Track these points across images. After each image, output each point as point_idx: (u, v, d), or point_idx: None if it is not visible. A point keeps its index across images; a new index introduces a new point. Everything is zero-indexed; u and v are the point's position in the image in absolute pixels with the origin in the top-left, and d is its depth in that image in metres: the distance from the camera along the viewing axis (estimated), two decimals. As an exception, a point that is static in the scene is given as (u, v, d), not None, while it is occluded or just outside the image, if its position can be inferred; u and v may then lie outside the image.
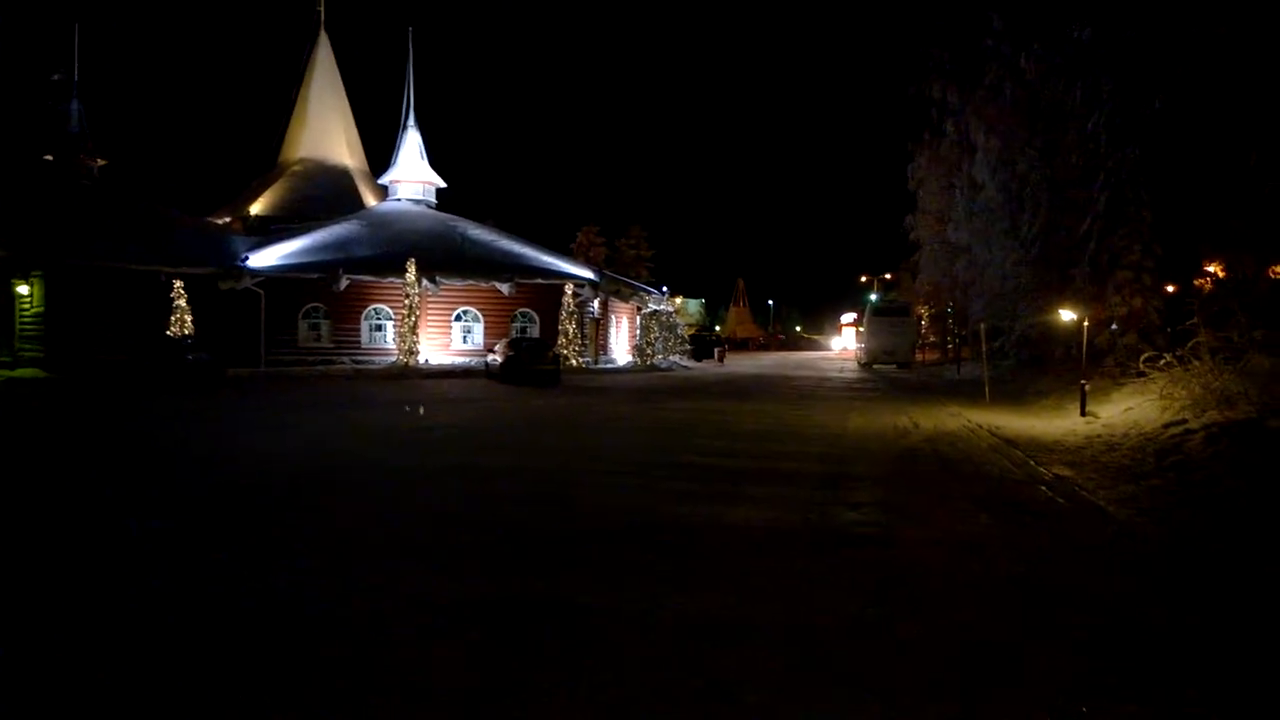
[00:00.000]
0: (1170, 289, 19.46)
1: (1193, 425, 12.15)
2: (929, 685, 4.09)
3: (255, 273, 32.36)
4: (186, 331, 29.66)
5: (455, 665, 4.30)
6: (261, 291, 32.21)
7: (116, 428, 15.02)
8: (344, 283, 32.75)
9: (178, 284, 30.33)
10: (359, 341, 33.96)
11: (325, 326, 33.70)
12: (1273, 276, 17.99)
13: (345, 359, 32.67)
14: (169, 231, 33.78)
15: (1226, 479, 9.27)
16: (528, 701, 3.87)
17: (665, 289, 43.98)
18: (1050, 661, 4.38)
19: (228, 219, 43.89)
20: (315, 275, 32.89)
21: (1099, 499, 8.85)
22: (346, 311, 33.78)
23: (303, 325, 33.53)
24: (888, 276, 66.98)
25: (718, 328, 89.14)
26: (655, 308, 40.91)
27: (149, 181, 63.33)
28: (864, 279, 74.94)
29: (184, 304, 30.31)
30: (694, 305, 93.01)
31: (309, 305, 33.43)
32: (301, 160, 48.61)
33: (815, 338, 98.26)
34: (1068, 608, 5.26)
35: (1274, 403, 12.10)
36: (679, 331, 43.67)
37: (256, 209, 45.68)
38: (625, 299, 41.09)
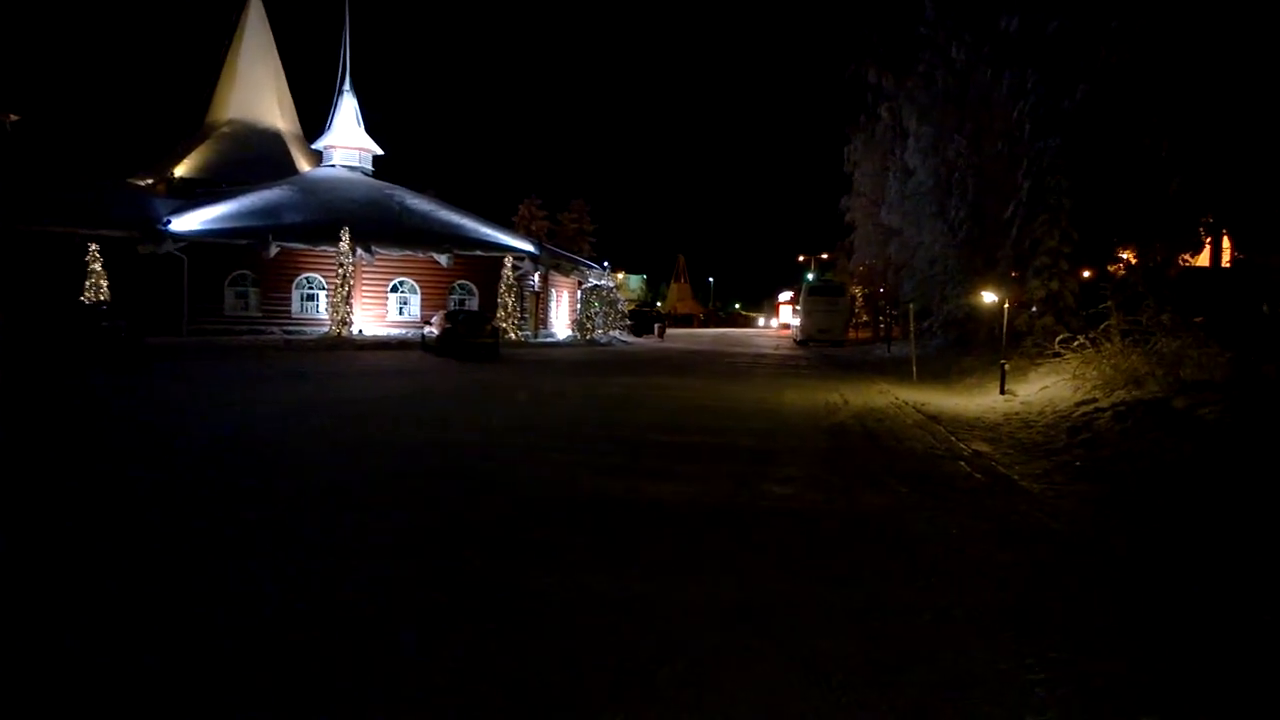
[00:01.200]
0: (1086, 274, 20.31)
1: (1103, 404, 12.80)
2: (856, 660, 4.33)
3: (178, 237, 31.31)
4: (102, 298, 28.60)
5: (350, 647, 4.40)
6: (185, 257, 31.21)
7: None
8: (274, 250, 31.94)
9: (93, 247, 29.20)
10: (290, 311, 33.23)
11: (253, 295, 32.86)
12: (1181, 264, 18.92)
13: (275, 329, 31.96)
14: (86, 192, 32.44)
15: (1131, 455, 9.83)
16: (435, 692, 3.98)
17: (607, 264, 44.02)
18: (964, 630, 4.69)
19: (150, 181, 42.34)
20: (243, 241, 32.01)
21: (1014, 474, 9.32)
22: (276, 280, 32.98)
23: (229, 293, 32.63)
24: (824, 256, 68.15)
25: (659, 304, 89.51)
26: (596, 282, 40.94)
27: (65, 140, 60.50)
28: (801, 258, 76.19)
29: (99, 269, 29.19)
30: (635, 281, 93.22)
31: (236, 273, 32.52)
32: (231, 121, 47.01)
33: (754, 315, 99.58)
34: (979, 578, 5.60)
35: (1178, 383, 12.82)
36: (620, 307, 43.83)
37: (181, 171, 44.13)
38: (566, 273, 41.00)
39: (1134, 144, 14.22)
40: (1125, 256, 19.88)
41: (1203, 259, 20.51)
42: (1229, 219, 16.15)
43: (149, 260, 30.69)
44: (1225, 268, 20.35)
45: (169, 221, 31.73)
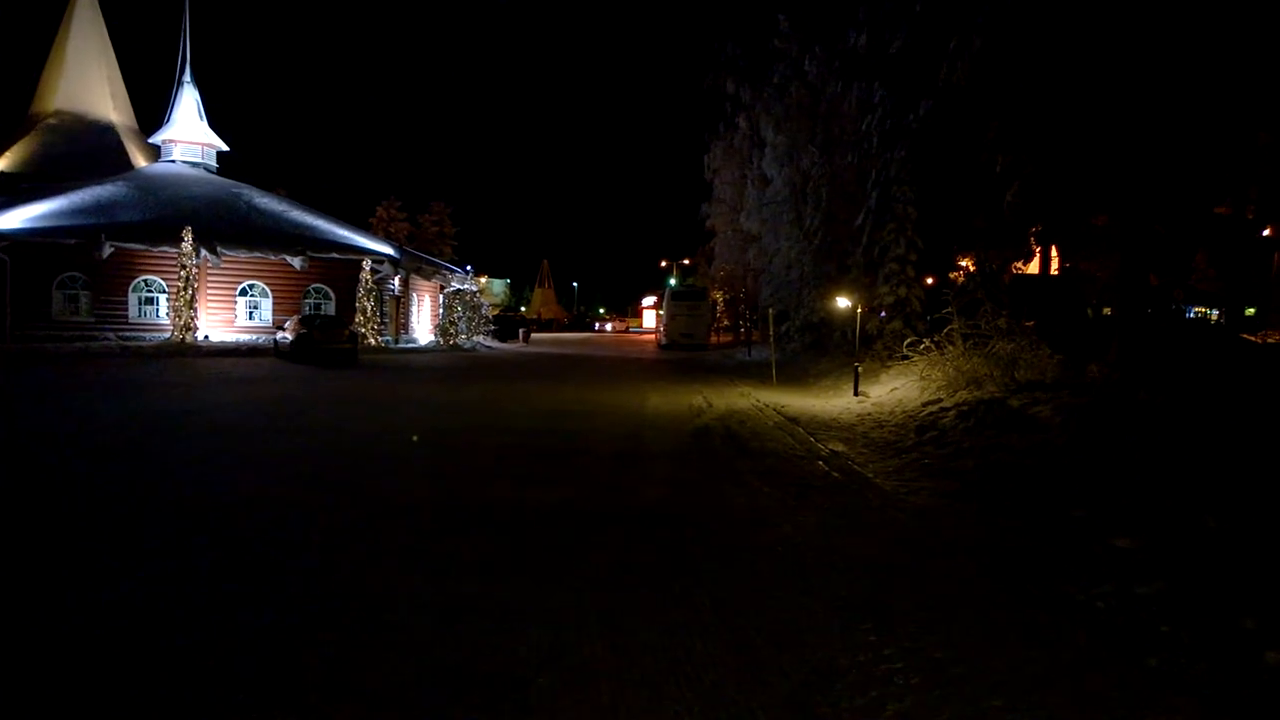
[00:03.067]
0: (930, 280, 21.56)
1: (947, 404, 13.58)
2: (727, 659, 4.36)
3: (0, 235, 28.49)
4: (-95, 302, 25.70)
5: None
6: (7, 258, 28.47)
7: None
8: (107, 250, 29.57)
9: (-105, 247, 26.19)
10: (126, 316, 30.84)
11: (85, 298, 30.29)
12: (1014, 271, 20.38)
13: (110, 334, 29.59)
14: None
15: (973, 451, 10.46)
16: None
17: (470, 268, 43.24)
18: (826, 622, 4.82)
19: (-38, 175, 38.36)
20: (73, 240, 29.47)
21: (868, 471, 9.72)
22: (111, 282, 30.53)
23: (57, 296, 29.97)
24: (686, 261, 69.37)
25: (523, 308, 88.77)
26: (459, 287, 40.08)
27: None
28: (664, 263, 77.26)
29: (-96, 270, 26.24)
30: (499, 285, 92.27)
31: (65, 274, 29.91)
32: (58, 113, 43.27)
33: (619, 319, 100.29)
34: (838, 572, 5.78)
35: (1014, 383, 13.77)
36: (484, 311, 43.12)
37: (2, 165, 40.21)
38: (428, 277, 39.97)
39: (972, 158, 15.22)
40: (965, 264, 21.23)
41: (1034, 267, 22.19)
42: (1056, 230, 17.52)
43: (-39, 261, 27.79)
44: (1054, 275, 22.08)
45: (-15, 218, 28.85)
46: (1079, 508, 7.44)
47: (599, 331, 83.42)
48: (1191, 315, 30.99)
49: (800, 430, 13.07)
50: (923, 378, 15.92)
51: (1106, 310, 20.99)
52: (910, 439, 11.96)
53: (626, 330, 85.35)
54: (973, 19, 12.98)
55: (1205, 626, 4.76)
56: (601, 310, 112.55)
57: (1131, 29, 11.44)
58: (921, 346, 16.94)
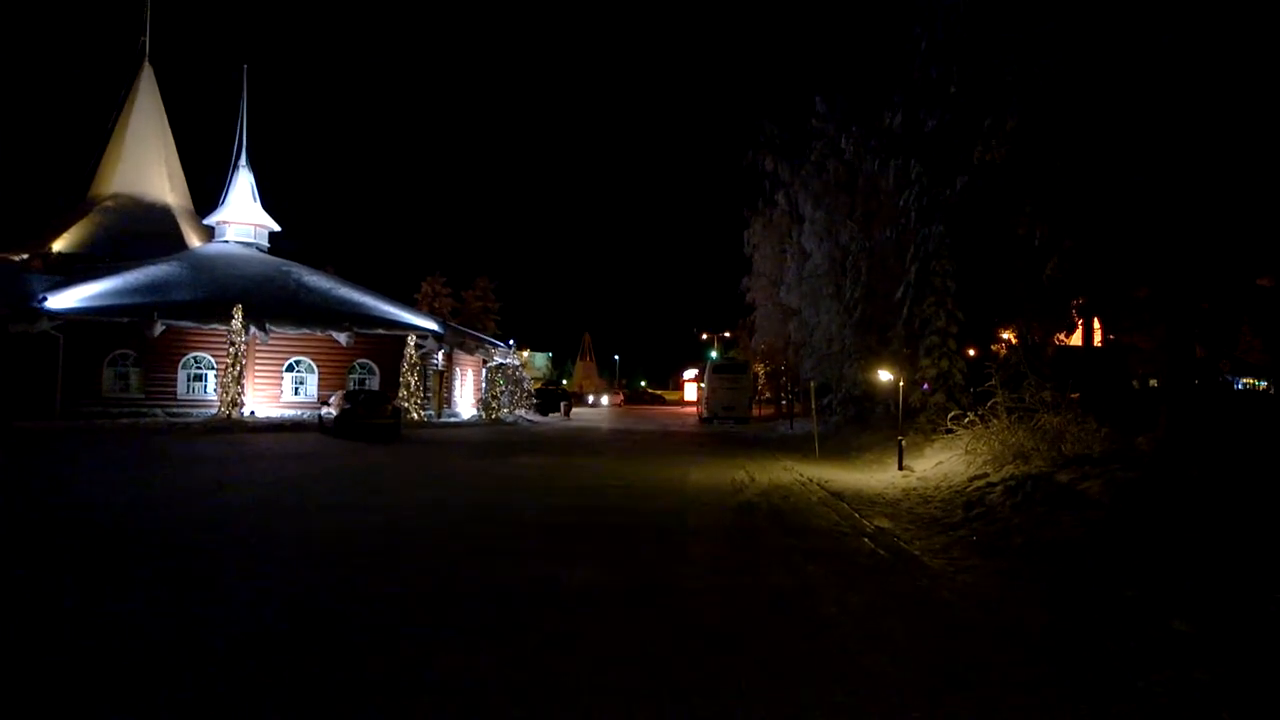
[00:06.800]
0: (972, 352, 21.39)
1: (994, 478, 13.34)
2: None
3: (55, 315, 29.57)
4: (-33, 381, 26.65)
5: None
6: (60, 336, 29.46)
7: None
8: (159, 328, 30.51)
9: (-39, 328, 27.31)
10: (175, 392, 31.61)
11: (135, 375, 31.14)
12: (1057, 343, 20.15)
13: (158, 411, 30.30)
14: (-47, 268, 30.47)
15: (1022, 529, 10.23)
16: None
17: (512, 342, 43.76)
18: (877, 710, 4.71)
19: (25, 257, 40.09)
20: (125, 319, 30.46)
21: (915, 549, 9.54)
22: (161, 359, 31.41)
23: (108, 373, 30.85)
24: (727, 334, 69.59)
25: (565, 381, 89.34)
26: (501, 361, 40.58)
27: (-69, 212, 56.92)
28: (704, 336, 77.58)
29: (-33, 349, 27.27)
30: (541, 359, 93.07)
31: (116, 352, 30.83)
32: (115, 195, 45.18)
33: (659, 392, 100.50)
34: (887, 655, 5.65)
35: (1061, 457, 13.50)
36: (525, 385, 43.45)
37: (60, 246, 41.99)
38: (471, 351, 40.54)
39: (1010, 231, 15.25)
40: (1007, 336, 21.07)
41: (1076, 338, 21.92)
42: (1097, 302, 17.37)
43: (21, 340, 28.83)
44: (1097, 347, 21.78)
45: (45, 299, 30.00)
46: (1131, 588, 7.22)
47: (643, 404, 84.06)
48: (1240, 386, 30.21)
49: (845, 506, 12.90)
50: (968, 451, 15.68)
51: (1153, 382, 20.61)
52: (957, 515, 11.73)
53: (671, 404, 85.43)
54: (1007, 98, 13.17)
55: (1266, 714, 4.56)
56: (643, 383, 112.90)
57: (1167, 106, 11.52)
58: (966, 420, 16.74)
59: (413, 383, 33.34)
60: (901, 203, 22.48)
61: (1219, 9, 10.93)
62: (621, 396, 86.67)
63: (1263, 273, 13.91)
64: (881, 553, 9.32)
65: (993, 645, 5.97)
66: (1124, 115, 11.88)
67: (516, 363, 42.85)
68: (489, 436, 28.58)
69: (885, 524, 11.24)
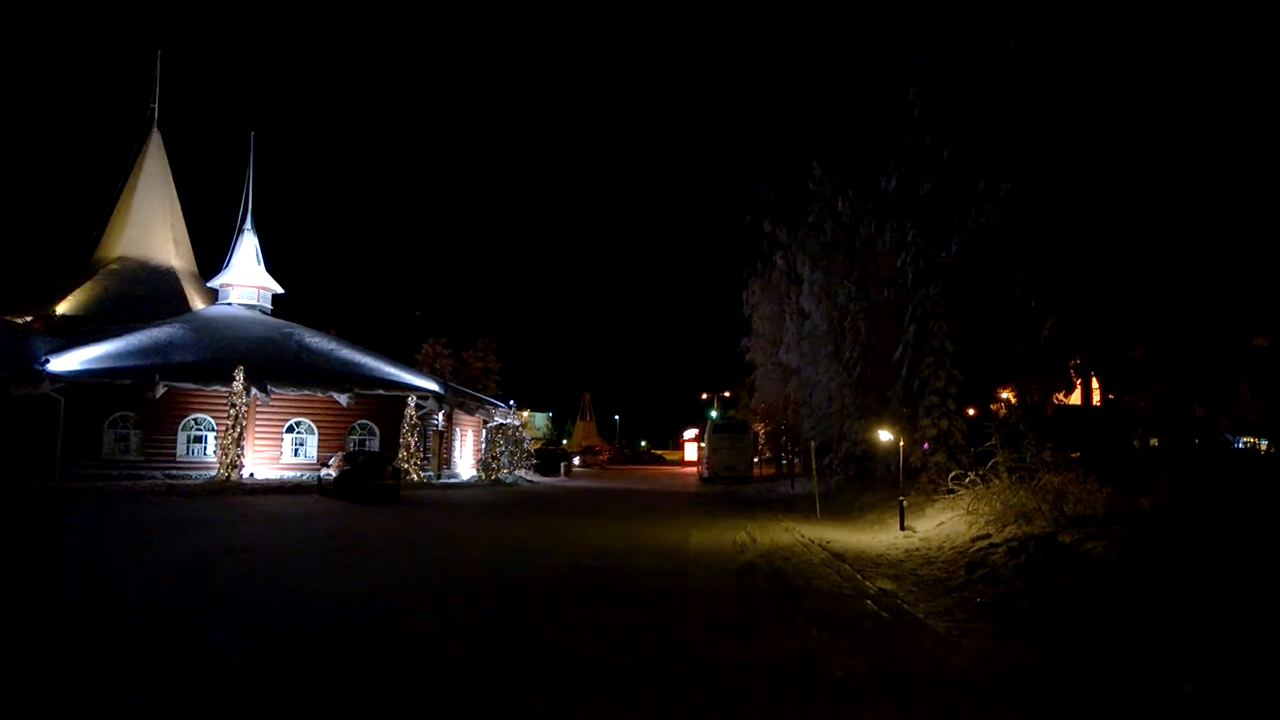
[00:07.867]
0: (972, 412, 21.40)
1: (996, 539, 13.24)
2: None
3: (56, 377, 29.62)
4: (-34, 443, 26.56)
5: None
6: (61, 398, 29.47)
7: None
8: (160, 390, 30.55)
9: (-39, 389, 27.33)
10: (174, 454, 31.51)
11: (135, 437, 31.08)
12: (1056, 403, 20.16)
13: (157, 473, 30.15)
14: (-44, 330, 30.63)
15: (1026, 591, 10.14)
16: None
17: (512, 402, 43.75)
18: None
19: (29, 319, 40.34)
20: (127, 381, 30.52)
21: (919, 611, 9.45)
22: (161, 421, 31.37)
23: (108, 435, 30.79)
24: (727, 394, 69.56)
25: (565, 441, 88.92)
26: (502, 421, 40.52)
27: (-63, 275, 57.45)
28: (704, 396, 77.53)
29: (-33, 410, 27.25)
30: (541, 419, 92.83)
31: (117, 414, 30.82)
32: (120, 259, 45.60)
33: (659, 452, 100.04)
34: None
35: (1064, 517, 13.42)
36: (525, 445, 43.32)
37: (64, 308, 42.24)
38: (471, 412, 40.51)
39: (1007, 292, 15.42)
40: (1006, 396, 21.09)
41: (1075, 398, 21.94)
42: (1095, 361, 17.44)
43: (22, 402, 28.85)
44: (1096, 406, 21.77)
45: (47, 361, 30.10)
46: (1138, 651, 7.14)
47: (643, 464, 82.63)
48: (1240, 445, 30.09)
49: (847, 567, 12.79)
50: (970, 511, 15.59)
51: (1153, 441, 20.56)
52: (960, 576, 11.63)
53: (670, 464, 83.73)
54: (1000, 163, 13.46)
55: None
56: (643, 443, 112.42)
57: (1159, 170, 11.77)
58: (967, 480, 16.68)
59: (413, 443, 33.27)
60: (898, 264, 22.75)
61: (1210, 71, 11.24)
62: (606, 455, 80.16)
63: (1257, 332, 14.02)
64: (885, 615, 9.23)
65: (1001, 714, 5.89)
66: (1117, 177, 12.13)
67: (517, 423, 42.79)
68: (488, 498, 28.41)
69: (888, 585, 11.13)
